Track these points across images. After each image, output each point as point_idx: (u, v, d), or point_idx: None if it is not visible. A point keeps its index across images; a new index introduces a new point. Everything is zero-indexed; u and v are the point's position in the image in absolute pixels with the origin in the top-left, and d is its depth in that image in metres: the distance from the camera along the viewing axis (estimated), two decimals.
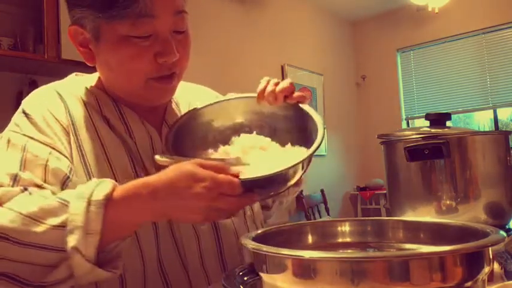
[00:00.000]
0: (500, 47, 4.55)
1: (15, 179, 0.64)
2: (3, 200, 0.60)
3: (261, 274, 0.41)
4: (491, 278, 0.55)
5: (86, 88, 0.79)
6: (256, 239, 0.45)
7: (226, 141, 0.77)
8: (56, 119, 0.73)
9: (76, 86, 0.80)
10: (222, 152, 0.73)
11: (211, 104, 0.82)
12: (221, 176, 0.58)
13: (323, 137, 0.67)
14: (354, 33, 5.52)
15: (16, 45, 2.27)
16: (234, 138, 0.77)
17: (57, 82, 0.82)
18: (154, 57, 0.70)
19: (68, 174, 0.68)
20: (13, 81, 2.40)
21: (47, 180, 0.66)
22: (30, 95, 0.79)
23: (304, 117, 0.75)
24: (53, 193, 0.63)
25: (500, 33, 4.55)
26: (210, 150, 0.76)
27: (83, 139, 0.73)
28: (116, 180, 0.72)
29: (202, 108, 0.82)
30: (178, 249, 0.76)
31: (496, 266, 0.57)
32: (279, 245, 0.39)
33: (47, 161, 0.67)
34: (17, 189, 0.61)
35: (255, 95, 0.79)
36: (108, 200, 0.59)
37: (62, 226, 0.57)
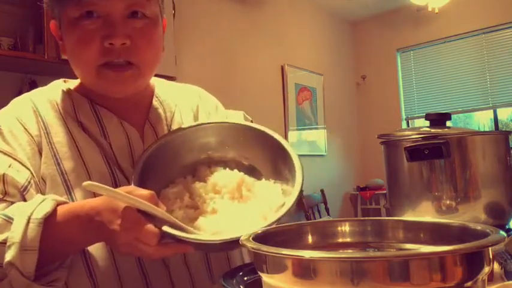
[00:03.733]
0: (500, 47, 4.55)
1: None
2: None
3: (261, 274, 0.41)
4: (491, 278, 0.55)
5: (63, 92, 0.78)
6: (256, 239, 0.45)
7: (197, 172, 0.76)
8: (25, 128, 0.73)
9: (55, 91, 0.79)
10: (194, 188, 0.71)
11: (191, 127, 0.79)
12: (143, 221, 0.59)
13: (301, 187, 0.66)
14: (354, 33, 5.52)
15: (16, 45, 2.28)
16: (208, 174, 0.74)
17: (38, 89, 0.81)
18: (101, 41, 0.68)
19: (27, 185, 0.68)
20: (13, 81, 2.40)
21: (7, 192, 0.67)
22: (8, 104, 0.79)
23: (279, 148, 0.73)
24: (10, 204, 0.65)
25: (500, 33, 4.55)
26: (178, 180, 0.74)
27: (58, 145, 0.73)
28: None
29: (178, 131, 0.78)
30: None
31: (496, 266, 0.57)
32: (279, 245, 0.39)
33: (5, 172, 0.67)
34: None
35: (233, 122, 0.79)
36: (47, 218, 0.60)
37: (3, 243, 0.59)
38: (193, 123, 0.80)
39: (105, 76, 0.70)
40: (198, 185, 0.72)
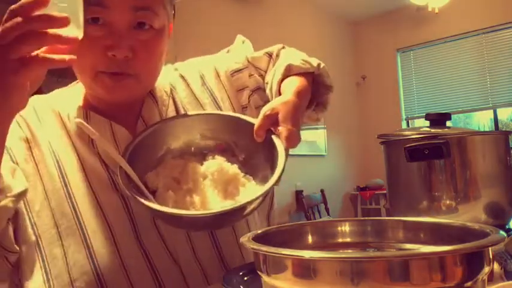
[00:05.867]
0: (500, 47, 4.55)
1: None
2: None
3: (261, 274, 0.41)
4: (491, 278, 0.55)
5: (63, 102, 0.79)
6: (256, 239, 0.45)
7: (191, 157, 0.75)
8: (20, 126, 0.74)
9: (56, 101, 0.80)
10: (184, 167, 0.71)
11: (183, 116, 0.79)
12: None
13: (279, 176, 0.62)
14: (354, 33, 5.52)
15: None
16: (201, 160, 0.73)
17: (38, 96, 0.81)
18: (103, 50, 0.67)
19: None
20: None
21: None
22: None
23: (270, 144, 0.68)
24: None
25: (500, 33, 4.55)
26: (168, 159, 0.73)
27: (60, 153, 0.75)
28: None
29: (172, 119, 0.78)
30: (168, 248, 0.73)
31: (495, 266, 0.57)
32: (279, 245, 0.39)
33: None
34: None
35: (233, 114, 0.78)
36: None
37: None
38: (192, 113, 0.79)
39: (101, 82, 0.69)
40: (189, 165, 0.71)
